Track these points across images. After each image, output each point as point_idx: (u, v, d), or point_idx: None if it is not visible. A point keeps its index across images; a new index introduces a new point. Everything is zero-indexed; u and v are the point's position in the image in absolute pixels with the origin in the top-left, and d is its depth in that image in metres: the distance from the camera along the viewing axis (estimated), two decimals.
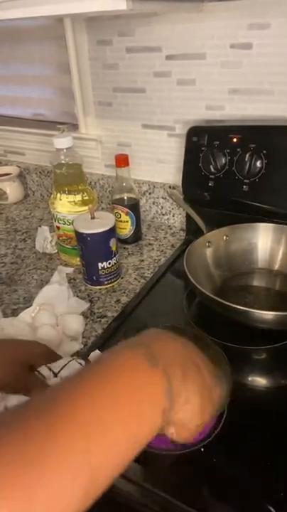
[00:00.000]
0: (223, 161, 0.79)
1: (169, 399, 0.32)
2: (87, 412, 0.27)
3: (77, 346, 0.66)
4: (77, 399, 0.28)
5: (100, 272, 0.78)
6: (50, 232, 0.94)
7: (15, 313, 0.74)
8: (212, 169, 0.81)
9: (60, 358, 0.54)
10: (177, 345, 0.38)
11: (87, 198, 0.84)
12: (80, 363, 0.52)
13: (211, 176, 0.82)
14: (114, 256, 0.79)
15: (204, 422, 0.38)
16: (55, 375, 0.50)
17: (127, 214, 0.91)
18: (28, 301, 0.77)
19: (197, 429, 0.37)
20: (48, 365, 0.51)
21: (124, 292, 0.79)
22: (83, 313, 0.73)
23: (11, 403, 0.46)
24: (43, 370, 0.50)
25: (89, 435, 0.26)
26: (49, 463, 0.24)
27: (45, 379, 0.50)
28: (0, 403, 0.47)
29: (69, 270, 0.86)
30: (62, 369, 0.51)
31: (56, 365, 0.51)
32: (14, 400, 0.47)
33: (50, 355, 0.54)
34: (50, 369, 0.50)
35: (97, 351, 0.59)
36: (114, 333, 0.68)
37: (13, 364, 0.50)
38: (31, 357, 0.52)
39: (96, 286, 0.80)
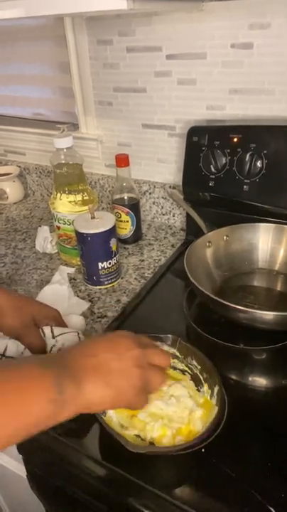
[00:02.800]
0: (223, 160, 0.79)
1: (58, 391, 0.40)
2: None
3: None
4: None
5: (100, 272, 0.78)
6: (50, 232, 0.94)
7: None
8: (213, 169, 0.81)
9: (65, 326, 0.62)
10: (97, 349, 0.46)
11: (87, 197, 0.84)
12: (80, 338, 0.59)
13: (211, 176, 0.82)
14: (114, 256, 0.79)
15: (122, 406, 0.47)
16: (53, 336, 0.57)
17: (127, 214, 0.91)
18: None
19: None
20: (52, 326, 0.58)
21: (124, 292, 0.79)
22: (83, 314, 0.73)
23: (10, 346, 0.54)
24: (46, 329, 0.57)
25: None
26: None
27: (45, 337, 0.56)
28: (1, 343, 0.54)
29: (71, 270, 0.86)
30: (61, 334, 0.57)
31: (58, 330, 0.58)
32: (14, 344, 0.54)
33: (58, 320, 0.62)
34: (52, 330, 0.57)
35: None
36: None
37: (25, 315, 0.58)
38: (41, 315, 0.59)
39: (96, 286, 0.80)
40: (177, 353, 0.58)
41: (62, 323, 0.62)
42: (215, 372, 0.53)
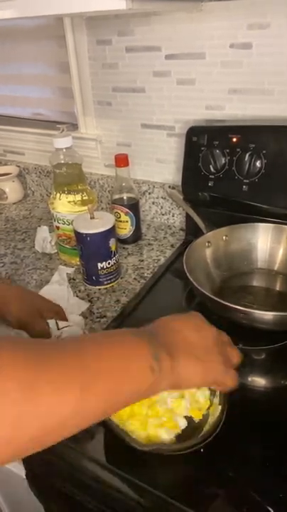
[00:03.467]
0: (223, 161, 0.79)
1: (156, 359, 0.39)
2: (86, 360, 0.36)
3: None
4: (83, 349, 0.37)
5: (100, 272, 0.78)
6: (50, 232, 0.94)
7: None
8: (212, 169, 0.81)
9: (66, 320, 0.65)
10: (178, 324, 0.46)
11: (86, 197, 0.84)
12: (84, 332, 0.63)
13: (211, 176, 0.82)
14: (114, 256, 0.79)
15: (212, 380, 0.46)
16: (58, 328, 0.60)
17: (127, 214, 0.91)
18: None
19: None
20: (56, 320, 0.61)
21: (124, 292, 0.79)
22: (83, 314, 0.73)
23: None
24: (50, 322, 0.60)
25: (84, 373, 0.34)
26: (52, 374, 0.33)
27: (49, 329, 0.59)
28: (5, 334, 0.58)
29: (70, 270, 0.86)
30: (66, 327, 0.60)
31: (62, 323, 0.61)
32: (17, 336, 0.57)
33: (62, 315, 0.65)
34: (57, 323, 0.60)
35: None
36: None
37: (30, 305, 0.60)
38: (45, 308, 0.62)
39: (95, 286, 0.80)
40: None
41: (65, 319, 0.64)
42: None
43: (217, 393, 0.52)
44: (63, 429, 0.33)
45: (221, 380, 0.46)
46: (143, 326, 0.46)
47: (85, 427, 0.35)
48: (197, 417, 0.51)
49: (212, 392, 0.53)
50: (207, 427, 0.49)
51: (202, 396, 0.52)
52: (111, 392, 0.36)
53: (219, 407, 0.50)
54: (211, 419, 0.49)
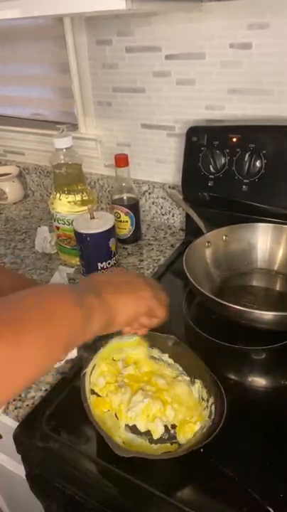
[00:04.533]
0: (222, 160, 0.79)
1: (80, 296, 0.43)
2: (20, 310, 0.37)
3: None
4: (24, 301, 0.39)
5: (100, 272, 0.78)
6: (50, 232, 0.94)
7: None
8: (212, 169, 0.81)
9: None
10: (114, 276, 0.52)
11: (86, 198, 0.84)
12: None
13: (210, 176, 0.82)
14: (114, 256, 0.79)
15: (143, 311, 0.50)
16: None
17: (127, 214, 0.91)
18: None
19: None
20: None
21: None
22: None
23: None
24: None
25: (15, 323, 0.35)
26: None
27: None
28: None
29: (70, 270, 0.86)
30: None
31: None
32: None
33: None
34: None
35: None
36: (112, 333, 0.68)
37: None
38: None
39: None
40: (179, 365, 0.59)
41: None
42: (213, 382, 0.53)
43: (209, 404, 0.51)
44: (4, 376, 0.34)
45: (153, 308, 0.50)
46: None
47: (33, 375, 0.37)
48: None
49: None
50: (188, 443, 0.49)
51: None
52: (45, 337, 0.37)
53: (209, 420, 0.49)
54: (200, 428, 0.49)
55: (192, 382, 0.55)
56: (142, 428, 0.51)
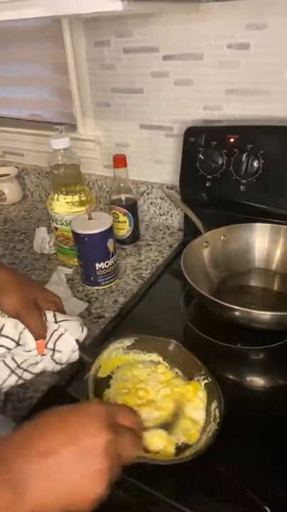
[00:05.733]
0: (220, 161, 0.79)
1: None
2: None
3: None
4: None
5: (98, 273, 0.79)
6: (48, 233, 0.94)
7: None
8: (210, 169, 0.81)
9: (64, 313, 0.59)
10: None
11: (84, 198, 0.85)
12: (83, 328, 0.56)
13: (208, 176, 0.82)
14: (112, 256, 0.79)
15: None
16: (56, 321, 0.55)
17: (125, 214, 0.91)
18: None
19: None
20: (55, 312, 0.56)
21: (122, 293, 0.79)
22: (81, 314, 0.73)
23: (8, 325, 0.52)
24: (48, 313, 0.55)
25: None
26: None
27: (46, 321, 0.54)
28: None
29: (69, 271, 0.86)
30: (64, 320, 0.55)
31: (61, 316, 0.56)
32: (12, 323, 0.52)
33: (60, 307, 0.59)
34: (55, 315, 0.55)
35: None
36: (111, 333, 0.68)
37: (27, 294, 0.55)
38: (44, 299, 0.57)
39: (93, 286, 0.80)
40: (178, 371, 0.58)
41: (63, 311, 0.60)
42: (215, 386, 0.52)
43: (212, 409, 0.51)
44: None
45: (117, 470, 0.38)
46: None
47: None
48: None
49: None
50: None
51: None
52: None
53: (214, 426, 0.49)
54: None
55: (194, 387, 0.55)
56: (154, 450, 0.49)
